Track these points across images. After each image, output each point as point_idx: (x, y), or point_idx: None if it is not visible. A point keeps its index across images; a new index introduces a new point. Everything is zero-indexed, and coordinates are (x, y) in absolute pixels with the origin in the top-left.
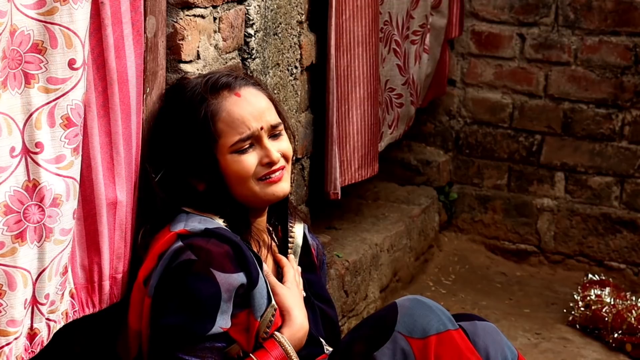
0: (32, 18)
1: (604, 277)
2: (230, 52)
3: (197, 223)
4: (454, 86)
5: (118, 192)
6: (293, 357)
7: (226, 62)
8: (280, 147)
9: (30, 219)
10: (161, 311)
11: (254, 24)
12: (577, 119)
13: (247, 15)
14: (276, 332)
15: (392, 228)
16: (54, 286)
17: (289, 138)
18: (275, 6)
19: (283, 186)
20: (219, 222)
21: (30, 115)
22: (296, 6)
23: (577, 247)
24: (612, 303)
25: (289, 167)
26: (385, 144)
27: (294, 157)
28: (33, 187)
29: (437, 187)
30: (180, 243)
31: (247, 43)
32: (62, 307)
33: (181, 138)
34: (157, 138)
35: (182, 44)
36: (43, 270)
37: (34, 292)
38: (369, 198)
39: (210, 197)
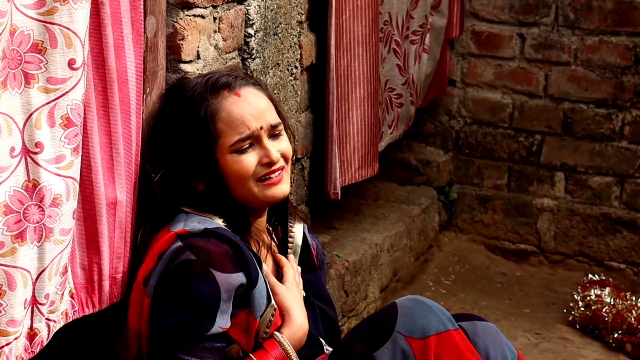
0: (32, 18)
1: (604, 277)
2: (230, 52)
3: (196, 223)
4: (454, 86)
5: (118, 192)
6: (293, 357)
7: (226, 62)
8: (280, 147)
9: (30, 219)
10: (161, 311)
11: (254, 24)
12: (577, 119)
13: (247, 15)
14: (276, 332)
15: (392, 228)
16: (53, 286)
17: (289, 138)
18: (275, 6)
19: (283, 188)
20: (219, 222)
21: (30, 115)
22: (296, 6)
23: (577, 247)
24: (612, 303)
25: (288, 168)
26: (385, 144)
27: (294, 157)
28: (33, 187)
29: (437, 187)
30: (179, 243)
31: (247, 43)
32: (62, 307)
33: (181, 138)
34: (157, 138)
35: (182, 44)
36: (43, 270)
37: (33, 292)
38: (369, 198)
39: (209, 197)
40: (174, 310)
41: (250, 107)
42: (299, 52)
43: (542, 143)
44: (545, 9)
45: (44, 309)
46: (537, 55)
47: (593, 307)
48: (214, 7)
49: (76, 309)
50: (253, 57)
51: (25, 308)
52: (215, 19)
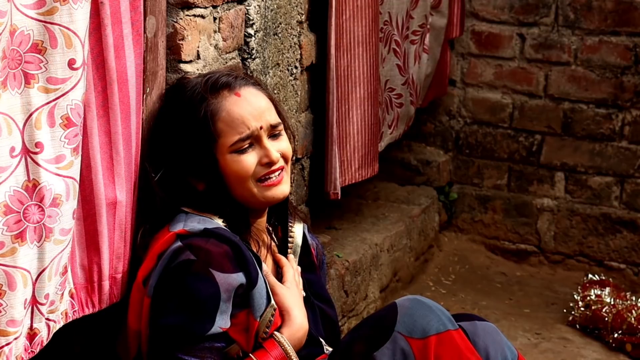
0: (32, 18)
1: (604, 277)
2: (230, 52)
3: (196, 223)
4: (454, 86)
5: (118, 191)
6: (292, 357)
7: (226, 62)
8: (279, 147)
9: (30, 219)
10: (160, 311)
11: (254, 24)
12: (577, 119)
13: (247, 15)
14: (276, 332)
15: (392, 228)
16: (53, 286)
17: (289, 138)
18: (275, 6)
19: (283, 188)
20: (218, 222)
21: (30, 115)
22: (296, 6)
23: (577, 247)
24: (612, 303)
25: (288, 168)
26: (385, 144)
27: (294, 157)
28: (33, 187)
29: (437, 187)
30: (179, 243)
31: (247, 43)
32: (62, 307)
33: (181, 137)
34: (157, 138)
35: (182, 44)
36: (43, 270)
37: (33, 292)
38: (369, 198)
39: (209, 197)
40: (173, 310)
41: (250, 107)
42: (299, 52)
43: (542, 143)
44: (545, 9)
45: (44, 309)
46: (537, 55)
47: (593, 307)
48: (214, 7)
49: (76, 309)
50: (253, 57)
51: (25, 308)
52: (215, 19)
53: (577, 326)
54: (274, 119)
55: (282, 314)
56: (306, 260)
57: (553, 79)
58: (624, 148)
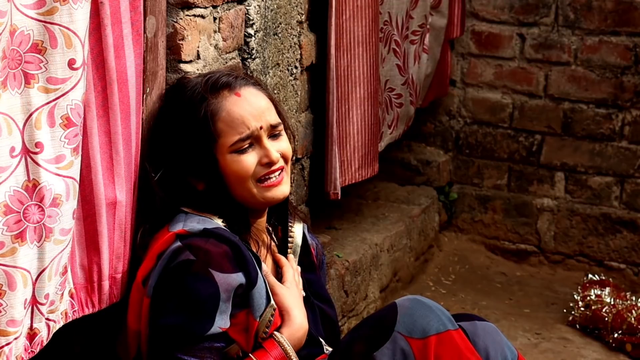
0: (32, 18)
1: (604, 277)
2: (230, 52)
3: (195, 223)
4: (454, 86)
5: (117, 191)
6: (292, 357)
7: (226, 62)
8: (279, 147)
9: (30, 219)
10: (160, 311)
11: (254, 24)
12: (577, 119)
13: (247, 15)
14: (275, 332)
15: (392, 228)
16: (53, 286)
17: (289, 138)
18: (275, 6)
19: (283, 189)
20: (218, 222)
21: (30, 115)
22: (296, 6)
23: (577, 247)
24: (612, 303)
25: (288, 168)
26: (385, 144)
27: (294, 157)
28: (33, 187)
29: (437, 187)
30: (179, 243)
31: (247, 43)
32: (62, 307)
33: (181, 137)
34: (157, 138)
35: (182, 44)
36: (43, 270)
37: (33, 292)
38: (369, 198)
39: (209, 197)
40: (173, 310)
41: (250, 107)
42: (299, 52)
43: (542, 143)
44: (545, 9)
45: (43, 309)
46: (537, 55)
47: (593, 307)
48: (214, 7)
49: (76, 309)
50: (253, 57)
51: (25, 308)
52: (215, 19)
53: (577, 326)
54: (274, 119)
55: (282, 314)
56: (306, 260)
57: (553, 79)
58: (624, 148)
